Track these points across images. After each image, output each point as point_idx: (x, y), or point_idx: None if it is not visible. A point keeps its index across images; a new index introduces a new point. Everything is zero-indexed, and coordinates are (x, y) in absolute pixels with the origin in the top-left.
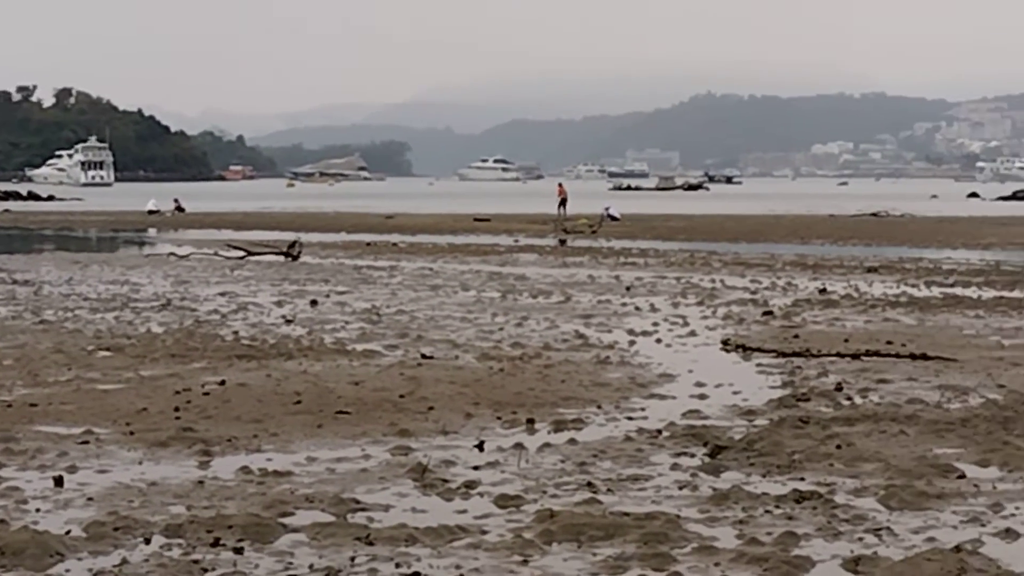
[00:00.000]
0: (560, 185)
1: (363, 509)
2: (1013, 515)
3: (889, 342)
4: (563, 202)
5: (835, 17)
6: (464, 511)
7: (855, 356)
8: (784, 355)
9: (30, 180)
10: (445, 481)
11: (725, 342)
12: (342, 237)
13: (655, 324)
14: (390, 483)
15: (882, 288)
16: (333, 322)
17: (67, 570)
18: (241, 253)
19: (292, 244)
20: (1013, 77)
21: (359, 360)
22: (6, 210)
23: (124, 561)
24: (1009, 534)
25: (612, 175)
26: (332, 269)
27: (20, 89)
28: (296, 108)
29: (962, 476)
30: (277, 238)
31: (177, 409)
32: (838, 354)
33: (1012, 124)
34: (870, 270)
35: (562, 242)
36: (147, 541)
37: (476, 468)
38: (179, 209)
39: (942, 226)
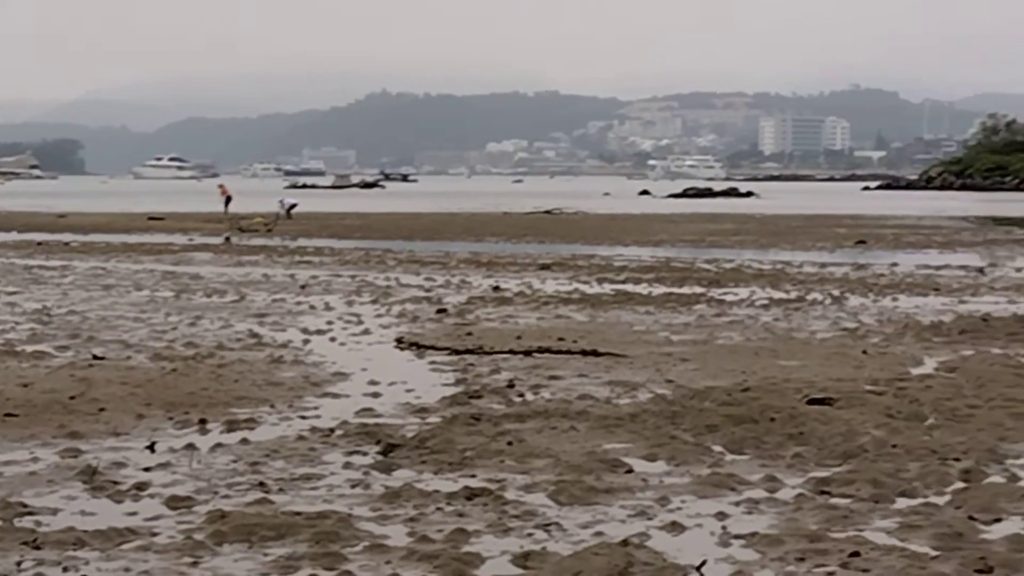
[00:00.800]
0: (222, 186)
1: (30, 513)
2: (679, 508)
3: (561, 339)
4: (228, 201)
5: (508, 16)
6: (134, 513)
7: (527, 353)
8: (457, 352)
9: None
10: (115, 483)
11: (399, 340)
12: (12, 236)
13: (329, 323)
14: (59, 486)
15: (555, 285)
16: (1, 323)
17: None
18: None
19: None
20: (683, 76)
21: (28, 361)
22: None
23: None
24: (675, 527)
25: (288, 173)
26: (1, 269)
27: None
28: None
29: (630, 471)
30: None
31: None
32: (511, 351)
33: (682, 123)
34: (543, 267)
35: (227, 239)
36: None
37: (147, 469)
38: None
39: (614, 223)
